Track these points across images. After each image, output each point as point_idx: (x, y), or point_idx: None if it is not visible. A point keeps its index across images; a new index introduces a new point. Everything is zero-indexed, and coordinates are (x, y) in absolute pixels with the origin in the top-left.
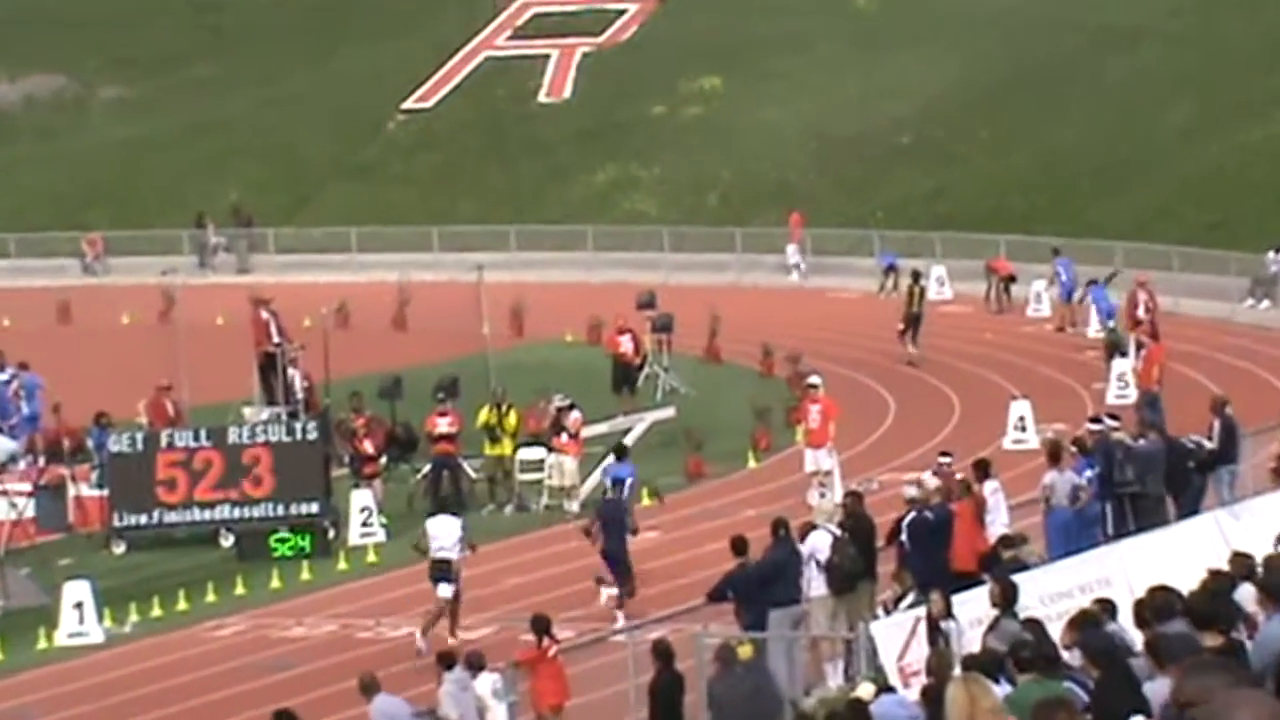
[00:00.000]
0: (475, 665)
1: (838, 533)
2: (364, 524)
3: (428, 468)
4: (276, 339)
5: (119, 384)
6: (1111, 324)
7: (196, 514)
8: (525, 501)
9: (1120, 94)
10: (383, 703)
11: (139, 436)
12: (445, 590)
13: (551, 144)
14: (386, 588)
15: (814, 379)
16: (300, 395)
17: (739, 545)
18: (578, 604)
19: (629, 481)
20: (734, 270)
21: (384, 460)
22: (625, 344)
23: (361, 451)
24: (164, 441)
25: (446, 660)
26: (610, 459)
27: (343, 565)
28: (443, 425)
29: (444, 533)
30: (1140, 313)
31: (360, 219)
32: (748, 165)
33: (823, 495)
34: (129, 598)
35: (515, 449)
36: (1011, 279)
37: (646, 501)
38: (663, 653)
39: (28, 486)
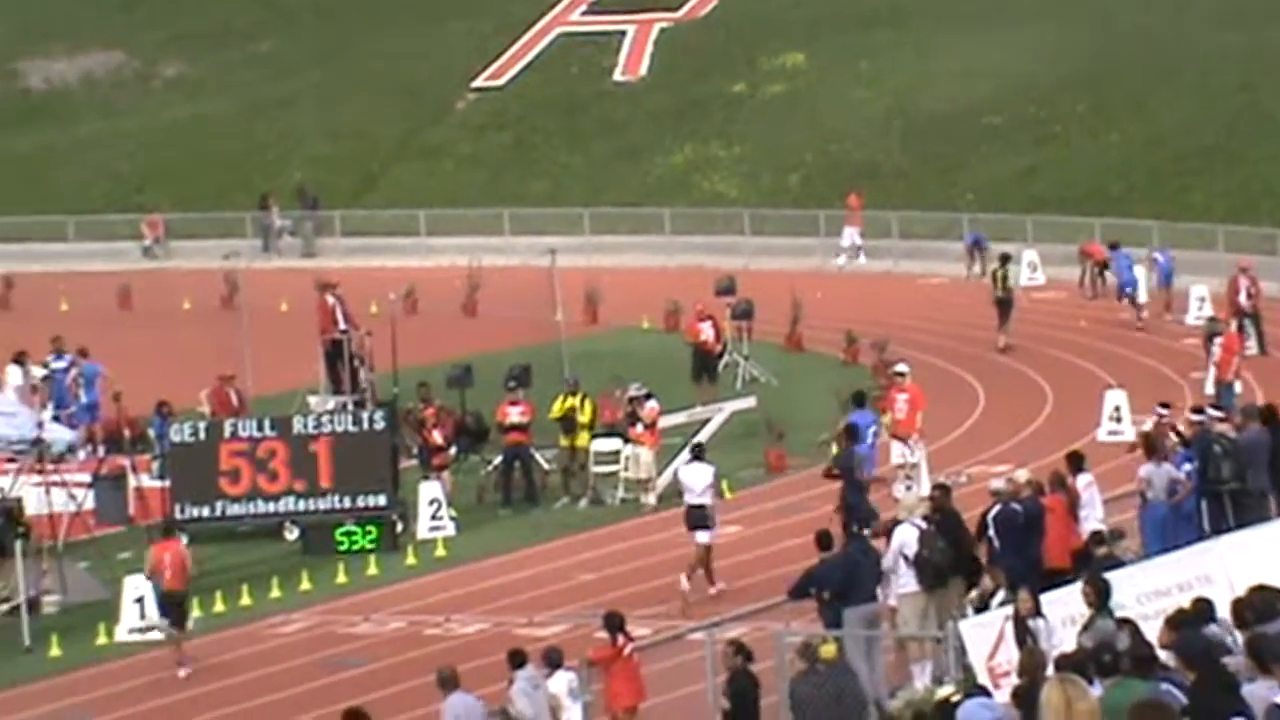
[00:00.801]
0: (553, 662)
1: (924, 526)
2: (433, 517)
3: (498, 459)
4: (343, 325)
5: (180, 372)
6: (1131, 292)
7: (260, 506)
8: (600, 494)
9: (1222, 72)
10: (457, 701)
11: (201, 426)
12: (703, 536)
13: (627, 123)
14: (456, 583)
15: (900, 367)
16: (366, 385)
17: (824, 540)
18: (654, 600)
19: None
20: (817, 254)
21: (453, 451)
22: (706, 331)
23: (430, 442)
24: (227, 431)
25: (517, 659)
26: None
27: (410, 560)
28: (514, 415)
29: (696, 480)
30: (1242, 299)
31: (429, 201)
32: (831, 145)
33: (909, 488)
34: (192, 592)
35: (590, 440)
36: (1106, 264)
37: (727, 495)
38: (739, 652)
39: (87, 478)
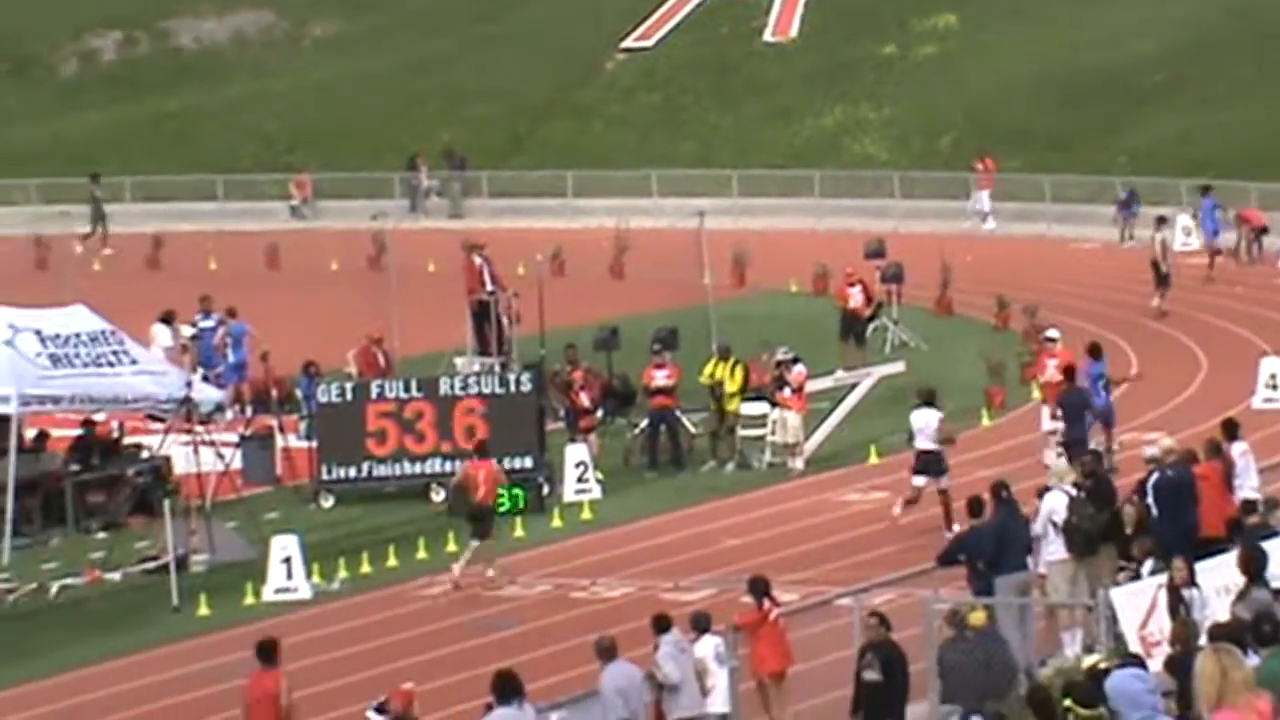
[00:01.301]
0: (700, 626)
1: (1074, 493)
2: (579, 480)
3: (644, 422)
4: (490, 287)
5: (327, 332)
6: (1218, 242)
7: (407, 467)
8: (747, 459)
9: None
10: (618, 670)
11: (348, 387)
12: (919, 481)
13: (777, 84)
14: (602, 546)
15: (1052, 332)
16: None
17: (975, 506)
18: (800, 566)
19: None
20: (968, 218)
21: (600, 414)
22: (856, 297)
23: (577, 405)
24: (374, 392)
25: (662, 623)
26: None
27: (557, 522)
28: (660, 378)
29: (927, 424)
30: None
31: (577, 162)
32: (983, 107)
33: (1059, 455)
34: (337, 553)
35: (738, 404)
36: (1264, 230)
37: (873, 460)
38: (883, 623)
39: (234, 437)
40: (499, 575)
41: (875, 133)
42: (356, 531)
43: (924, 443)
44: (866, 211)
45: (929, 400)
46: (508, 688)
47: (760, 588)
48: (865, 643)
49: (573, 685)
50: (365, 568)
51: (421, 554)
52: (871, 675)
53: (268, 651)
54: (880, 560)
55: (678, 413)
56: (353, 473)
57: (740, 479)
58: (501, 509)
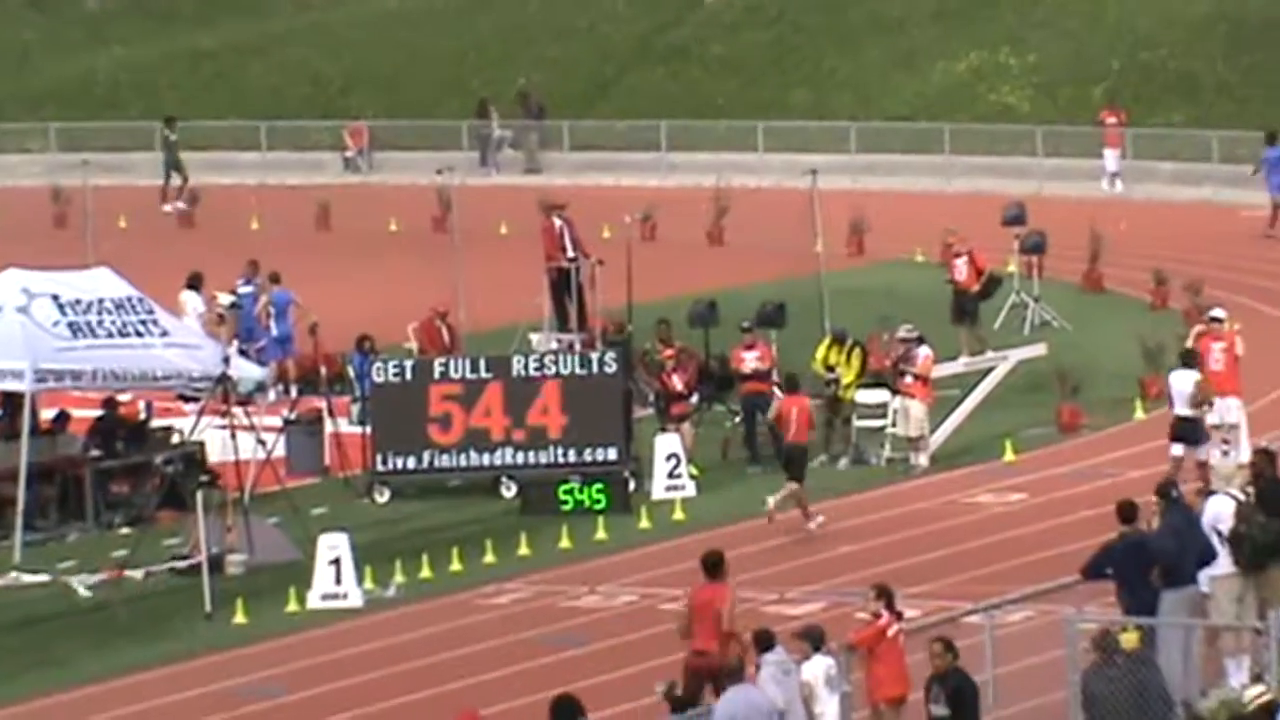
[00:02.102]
0: (814, 642)
1: (1242, 498)
2: (670, 475)
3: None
4: (571, 253)
5: (385, 302)
6: None
7: (473, 458)
8: (864, 453)
9: None
10: (737, 697)
11: (408, 365)
12: (1177, 450)
13: (903, 24)
14: (695, 551)
15: (1217, 312)
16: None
17: (1126, 511)
18: (923, 577)
19: None
20: (1123, 179)
21: (695, 399)
22: (960, 269)
23: (669, 389)
24: (437, 372)
25: (764, 641)
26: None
27: (644, 523)
28: (749, 361)
29: (1184, 387)
30: None
31: (671, 111)
32: (1142, 53)
33: (1226, 454)
34: (393, 555)
35: (854, 391)
36: None
37: (1009, 457)
38: (949, 649)
39: (278, 421)
40: (822, 525)
41: (1016, 80)
42: (415, 530)
43: (1182, 408)
44: (1004, 171)
45: (1188, 361)
46: (566, 715)
47: (885, 594)
48: (931, 673)
49: (653, 713)
50: (424, 572)
51: (489, 557)
52: (939, 711)
53: (715, 564)
54: (1015, 571)
55: (774, 399)
56: (412, 463)
57: (856, 477)
58: (573, 506)
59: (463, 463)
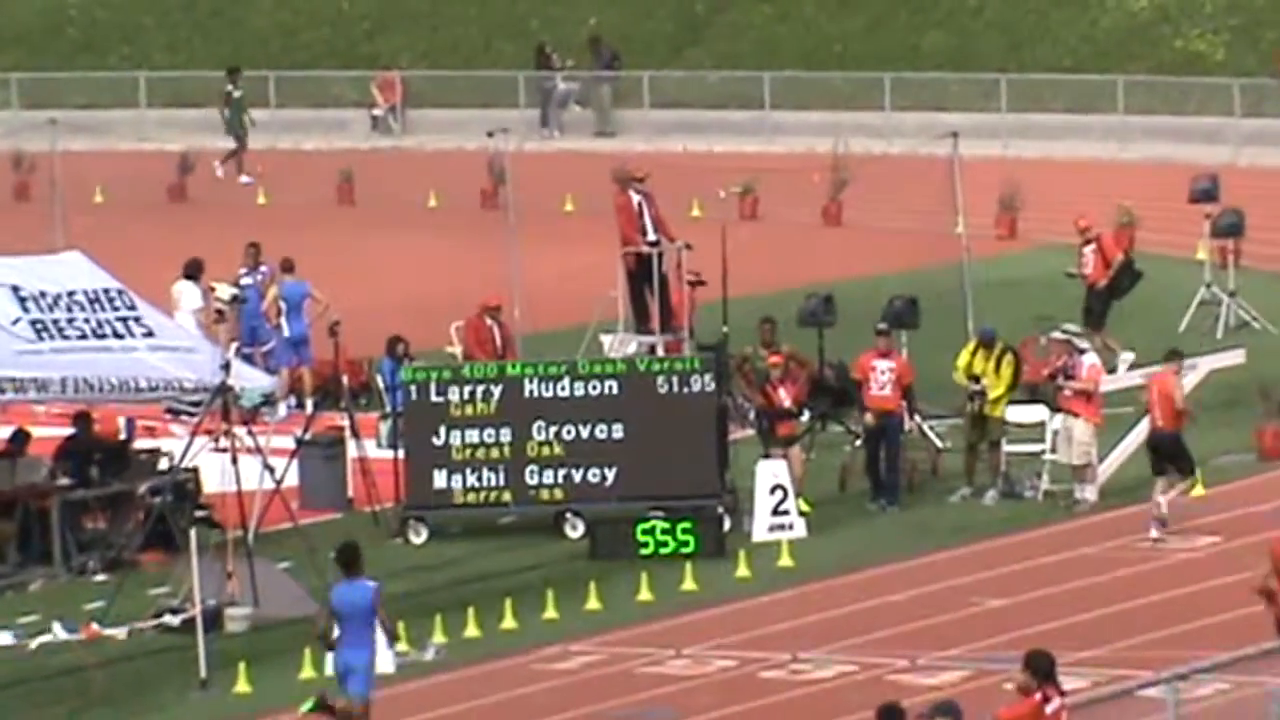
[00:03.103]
0: (951, 716)
1: None
2: (776, 511)
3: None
4: (651, 234)
5: (422, 295)
6: None
7: (530, 488)
8: (1016, 485)
9: None
10: None
11: (451, 374)
12: None
13: None
14: (806, 606)
15: None
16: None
17: None
18: (1090, 639)
19: None
20: None
21: (806, 417)
22: (1086, 258)
23: (775, 404)
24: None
25: (891, 717)
26: None
27: (743, 571)
28: (882, 372)
29: None
30: None
31: (775, 60)
32: None
33: None
34: (432, 609)
35: (1004, 408)
36: None
37: (1198, 491)
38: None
39: (289, 442)
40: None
41: (1208, 23)
42: (460, 579)
43: None
44: (1192, 134)
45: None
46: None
47: (1042, 666)
48: None
49: None
50: (471, 630)
51: (550, 612)
52: None
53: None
54: (1204, 633)
55: (907, 418)
56: (454, 495)
57: (1006, 514)
58: (655, 549)
59: (518, 494)
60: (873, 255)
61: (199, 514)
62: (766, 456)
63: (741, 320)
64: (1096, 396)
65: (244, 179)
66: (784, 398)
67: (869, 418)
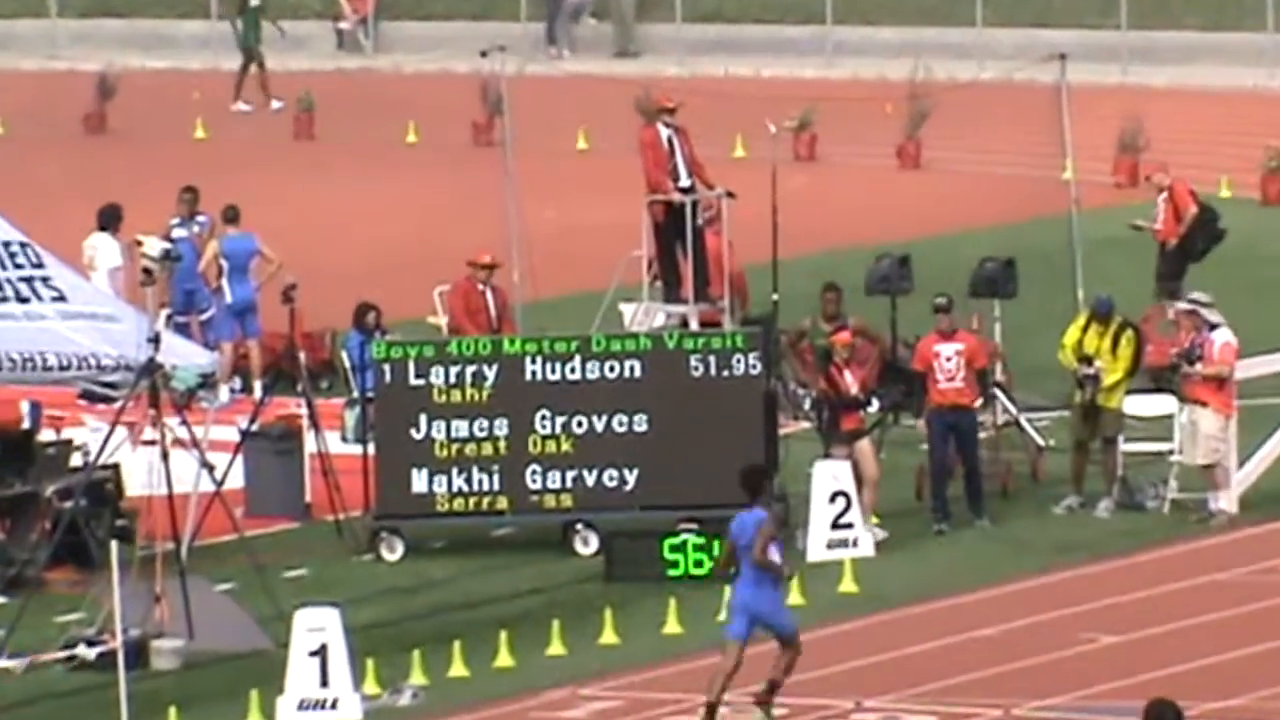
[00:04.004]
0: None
1: None
2: (837, 523)
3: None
4: (685, 179)
5: (399, 253)
6: None
7: (531, 494)
8: (1136, 493)
9: None
10: None
11: (433, 350)
12: None
13: None
14: (874, 640)
15: None
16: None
17: None
18: (1228, 686)
19: None
20: None
21: (875, 407)
22: (1160, 208)
23: (840, 391)
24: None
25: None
26: None
27: (795, 597)
28: (949, 358)
29: None
30: None
31: None
32: None
33: None
34: (409, 642)
35: (1121, 398)
36: None
37: None
38: None
39: (234, 435)
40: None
41: None
42: (443, 604)
43: None
44: None
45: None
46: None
47: (1159, 717)
48: None
49: None
50: (457, 668)
51: (556, 647)
52: None
53: None
54: None
55: (997, 413)
56: (437, 501)
57: (1123, 529)
58: (685, 570)
59: (515, 502)
60: (958, 206)
61: (120, 523)
62: (827, 456)
63: (795, 286)
64: (1229, 382)
65: (276, 104)
66: (851, 383)
67: (921, 424)
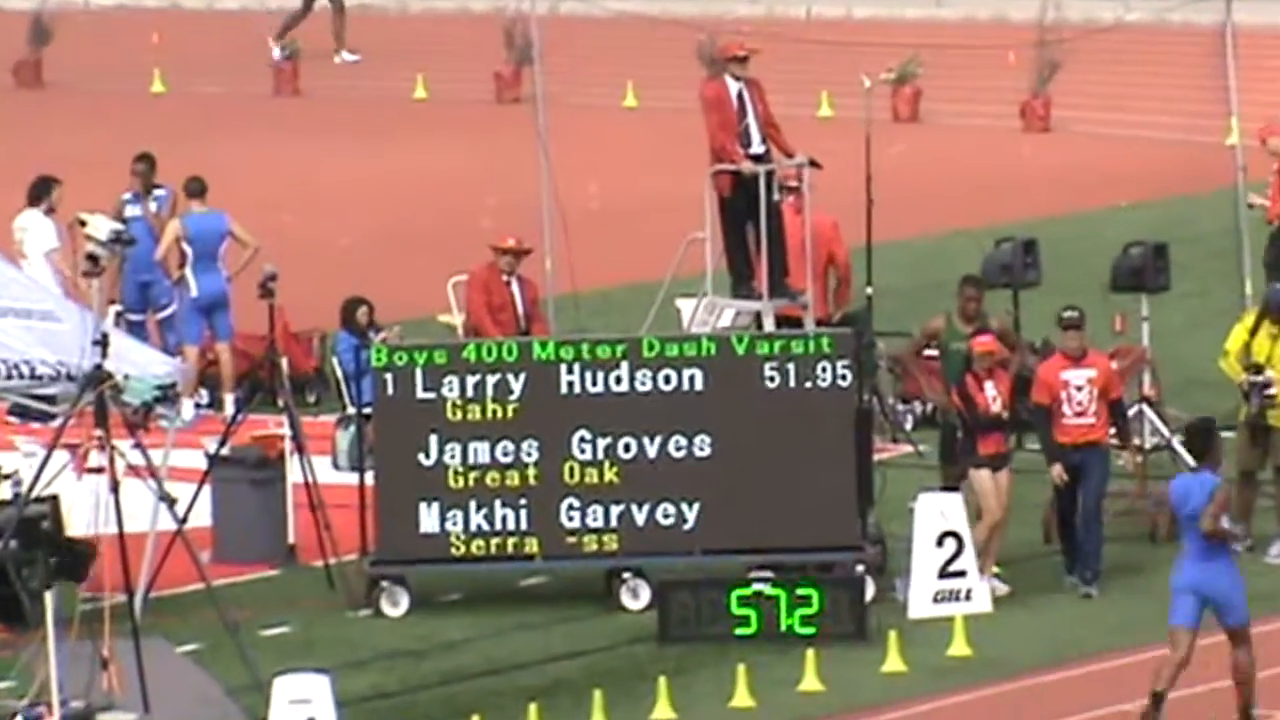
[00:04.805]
0: None
1: None
2: (946, 570)
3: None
4: (757, 144)
5: (403, 235)
6: None
7: (568, 534)
8: None
9: None
10: None
11: (443, 355)
12: None
13: None
14: (1021, 713)
15: None
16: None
17: None
18: None
19: None
20: None
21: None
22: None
23: (977, 407)
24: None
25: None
26: None
27: (894, 663)
28: (1079, 385)
29: None
30: None
31: None
32: None
33: None
34: (414, 717)
35: None
36: None
37: None
38: None
39: (200, 460)
40: None
41: None
42: (458, 671)
43: None
44: None
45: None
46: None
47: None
48: None
49: None
50: None
51: None
52: None
53: None
54: None
55: (1145, 435)
56: (451, 540)
57: None
58: (758, 628)
59: (545, 543)
60: (1096, 177)
61: (60, 567)
62: (947, 487)
63: (894, 278)
64: None
65: (345, 55)
66: (993, 398)
67: (1056, 471)
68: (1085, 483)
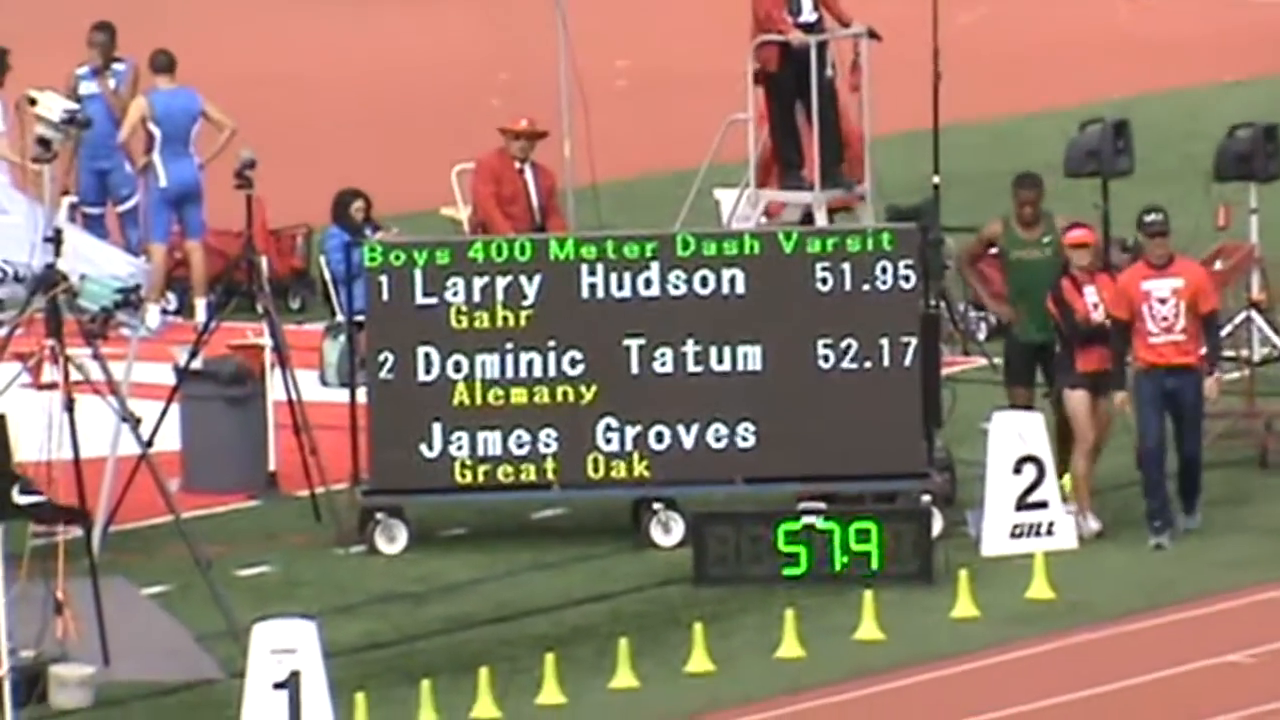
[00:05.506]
0: None
1: None
2: (1025, 501)
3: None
4: (809, 12)
5: (399, 113)
6: None
7: (590, 460)
8: None
9: None
10: None
11: (443, 254)
12: None
13: None
14: (1076, 666)
15: None
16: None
17: None
18: None
19: None
20: None
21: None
22: None
23: (1076, 315)
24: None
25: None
26: None
27: (965, 607)
28: (1160, 297)
29: None
30: None
31: None
32: None
33: None
34: (416, 670)
35: None
36: None
37: None
38: None
39: (168, 375)
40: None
41: None
42: (465, 617)
43: None
44: None
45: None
46: None
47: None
48: None
49: None
50: (484, 708)
51: (622, 678)
52: None
53: None
54: None
55: (1254, 346)
56: (452, 464)
57: None
58: (808, 567)
59: (569, 470)
60: (1196, 49)
61: (8, 498)
62: (1015, 406)
63: (963, 164)
64: None
65: None
66: (1093, 307)
67: (1120, 399)
68: (1182, 418)
